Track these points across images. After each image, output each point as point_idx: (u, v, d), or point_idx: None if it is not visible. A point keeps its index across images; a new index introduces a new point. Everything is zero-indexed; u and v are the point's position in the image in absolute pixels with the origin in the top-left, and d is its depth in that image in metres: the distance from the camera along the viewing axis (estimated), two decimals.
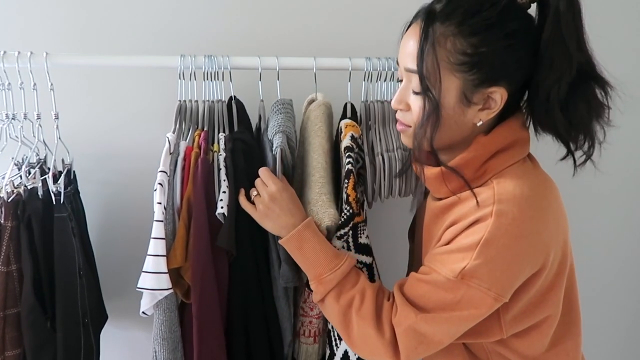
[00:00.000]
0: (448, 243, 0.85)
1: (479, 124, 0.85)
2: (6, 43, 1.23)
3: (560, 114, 0.82)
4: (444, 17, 0.79)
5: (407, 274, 1.22)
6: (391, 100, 1.12)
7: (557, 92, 0.80)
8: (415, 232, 1.13)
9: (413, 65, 0.82)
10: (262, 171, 1.00)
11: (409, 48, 0.83)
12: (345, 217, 0.99)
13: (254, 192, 1.00)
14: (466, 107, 0.83)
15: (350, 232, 0.99)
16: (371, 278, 1.02)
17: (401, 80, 0.89)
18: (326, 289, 0.93)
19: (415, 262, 1.12)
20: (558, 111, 0.82)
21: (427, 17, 0.80)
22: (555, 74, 0.80)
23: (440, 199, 0.93)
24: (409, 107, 0.87)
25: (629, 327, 1.76)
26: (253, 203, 1.00)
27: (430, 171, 0.90)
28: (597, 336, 1.61)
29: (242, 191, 1.02)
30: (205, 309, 0.98)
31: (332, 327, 1.05)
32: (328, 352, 1.07)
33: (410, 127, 0.88)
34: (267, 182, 0.99)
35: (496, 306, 0.83)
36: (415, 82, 0.83)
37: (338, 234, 0.99)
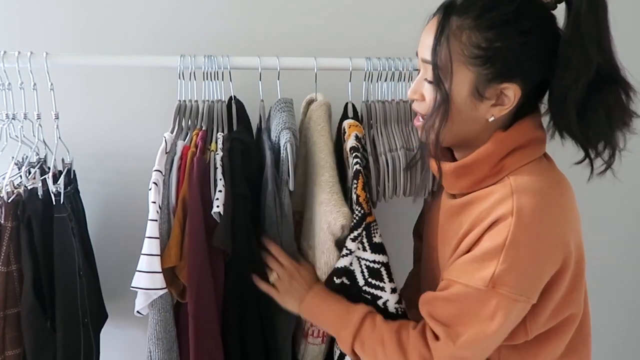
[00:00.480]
0: (469, 250, 0.84)
1: (490, 120, 0.85)
2: (6, 43, 1.22)
3: (576, 117, 0.81)
4: (462, 11, 0.81)
5: (414, 273, 1.22)
6: (392, 100, 1.13)
7: (575, 93, 0.79)
8: (425, 231, 1.12)
9: (429, 56, 0.83)
10: (275, 250, 1.03)
11: (427, 40, 0.85)
12: (357, 218, 0.98)
13: (274, 275, 1.03)
14: (478, 101, 0.83)
15: (364, 232, 0.98)
16: (389, 277, 1.01)
17: (418, 70, 0.91)
18: (348, 345, 0.95)
19: (424, 261, 1.11)
20: (574, 113, 0.81)
21: (445, 10, 0.82)
22: (572, 74, 0.79)
23: (455, 197, 0.94)
24: (424, 97, 0.88)
25: (628, 328, 1.76)
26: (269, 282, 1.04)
27: (446, 167, 0.91)
28: (597, 338, 1.60)
29: (257, 277, 1.04)
30: (202, 309, 0.98)
31: None
32: (338, 352, 1.07)
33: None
34: (282, 262, 1.03)
35: (527, 309, 0.82)
36: (430, 72, 0.84)
37: (352, 235, 0.98)
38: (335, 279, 1.00)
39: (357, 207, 0.98)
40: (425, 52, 0.85)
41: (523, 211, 0.78)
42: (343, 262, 0.99)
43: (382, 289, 1.00)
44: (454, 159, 0.96)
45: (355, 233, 0.97)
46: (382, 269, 1.00)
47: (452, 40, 0.80)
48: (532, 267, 0.80)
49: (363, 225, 0.98)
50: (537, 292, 0.82)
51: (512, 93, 0.82)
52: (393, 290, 1.00)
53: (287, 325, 1.08)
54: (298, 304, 1.01)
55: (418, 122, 0.93)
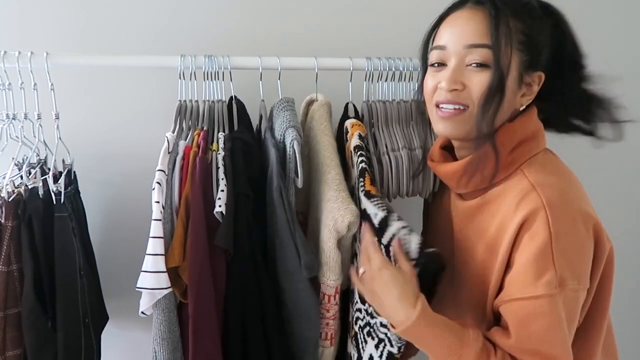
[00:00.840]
0: (509, 259, 0.83)
1: (521, 109, 0.88)
2: (6, 43, 1.22)
3: (589, 99, 0.89)
4: (503, 2, 0.84)
5: None
6: (393, 100, 1.13)
7: (580, 79, 0.89)
8: (432, 236, 1.10)
9: (480, 40, 0.83)
10: (368, 245, 0.92)
11: (470, 26, 0.85)
12: (384, 205, 0.94)
13: (361, 270, 0.93)
14: (519, 88, 0.86)
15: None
16: None
17: (440, 64, 0.88)
18: None
19: None
20: (585, 97, 0.89)
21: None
22: (572, 65, 0.88)
23: (465, 199, 0.94)
24: (465, 86, 0.86)
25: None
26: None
27: (455, 165, 0.91)
28: None
29: (353, 271, 0.95)
30: (202, 309, 0.98)
31: (360, 330, 1.04)
32: (356, 355, 1.06)
33: (468, 107, 0.86)
34: (370, 257, 0.90)
35: (585, 296, 0.82)
36: (478, 56, 0.83)
37: (396, 217, 0.93)
38: (426, 250, 0.91)
39: (375, 199, 0.96)
40: (473, 37, 0.84)
41: (552, 201, 0.79)
42: (416, 237, 0.92)
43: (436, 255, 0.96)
44: (453, 160, 0.96)
45: (395, 214, 0.94)
46: None
47: (507, 24, 0.83)
48: (579, 252, 0.80)
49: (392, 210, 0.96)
50: (588, 276, 0.82)
51: (537, 82, 0.87)
52: None
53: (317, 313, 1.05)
54: (388, 313, 0.86)
55: (451, 109, 0.87)
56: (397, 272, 0.86)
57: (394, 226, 0.92)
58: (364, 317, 1.03)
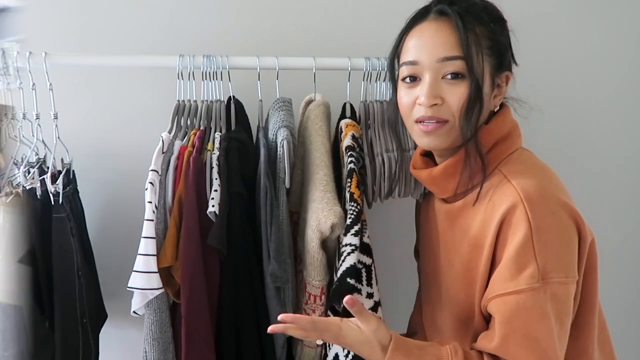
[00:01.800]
0: (493, 256, 0.82)
1: (496, 110, 0.90)
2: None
3: None
4: (464, 10, 0.85)
5: (420, 294, 1.17)
6: (390, 100, 1.12)
7: None
8: (423, 242, 1.10)
9: (452, 52, 0.83)
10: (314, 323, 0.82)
11: (440, 39, 0.84)
12: (355, 213, 0.97)
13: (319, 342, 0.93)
14: (491, 91, 0.87)
15: (361, 229, 0.97)
16: (369, 281, 1.00)
17: (413, 78, 0.87)
18: None
19: (424, 272, 1.09)
20: None
21: (450, 7, 0.85)
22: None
23: (448, 202, 0.94)
24: (443, 100, 0.85)
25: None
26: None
27: (434, 170, 0.91)
28: None
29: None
30: (194, 309, 0.98)
31: None
32: (332, 354, 1.05)
33: (448, 121, 0.85)
34: (324, 330, 0.81)
35: (574, 289, 0.81)
36: (453, 68, 0.83)
37: (352, 231, 0.96)
38: (348, 279, 0.95)
39: (352, 204, 0.97)
40: (445, 50, 0.83)
41: (530, 195, 0.78)
42: (352, 260, 0.95)
43: (359, 291, 0.99)
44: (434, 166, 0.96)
45: (356, 228, 0.96)
46: (363, 271, 1.00)
47: (474, 32, 0.83)
48: (563, 244, 0.79)
49: (360, 221, 0.97)
50: (576, 268, 0.81)
51: (505, 82, 0.89)
52: (369, 296, 1.00)
53: None
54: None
55: (432, 125, 0.86)
56: (356, 336, 0.80)
57: (345, 239, 0.96)
58: (333, 315, 1.02)
